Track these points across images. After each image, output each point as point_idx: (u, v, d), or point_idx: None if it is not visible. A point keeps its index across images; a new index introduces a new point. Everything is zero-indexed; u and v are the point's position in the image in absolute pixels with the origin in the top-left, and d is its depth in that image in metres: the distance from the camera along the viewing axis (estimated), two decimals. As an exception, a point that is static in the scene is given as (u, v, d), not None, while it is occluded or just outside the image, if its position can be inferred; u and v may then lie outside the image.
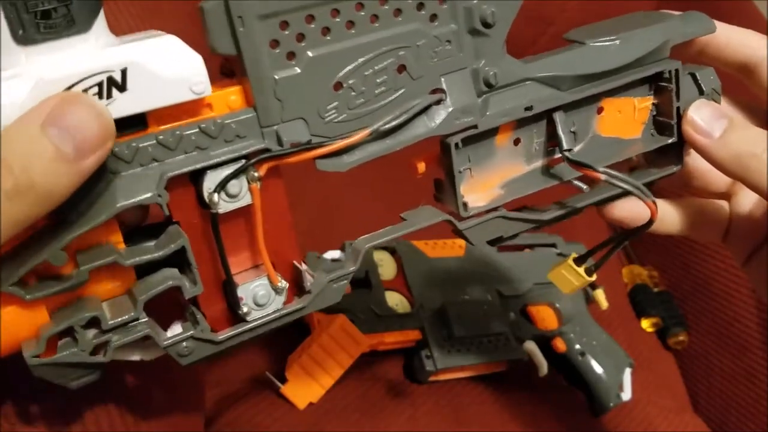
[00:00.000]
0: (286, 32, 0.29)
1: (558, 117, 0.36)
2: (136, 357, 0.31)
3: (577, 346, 0.63)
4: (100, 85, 0.25)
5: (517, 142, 0.36)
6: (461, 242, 0.66)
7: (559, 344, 0.63)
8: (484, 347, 0.60)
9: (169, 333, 0.31)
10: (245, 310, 0.31)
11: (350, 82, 0.30)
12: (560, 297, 0.66)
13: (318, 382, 0.54)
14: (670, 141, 0.39)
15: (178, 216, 0.30)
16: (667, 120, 0.38)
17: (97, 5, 0.26)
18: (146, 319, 0.29)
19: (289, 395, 0.54)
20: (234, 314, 0.32)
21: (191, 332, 0.30)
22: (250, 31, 0.28)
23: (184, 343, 0.30)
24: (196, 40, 0.28)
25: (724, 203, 0.42)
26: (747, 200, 0.40)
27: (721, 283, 0.71)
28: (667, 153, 0.39)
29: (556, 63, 0.35)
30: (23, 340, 0.28)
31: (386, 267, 0.62)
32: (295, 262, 0.33)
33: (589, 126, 0.37)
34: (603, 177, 0.34)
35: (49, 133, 0.24)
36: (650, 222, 0.35)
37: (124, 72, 0.26)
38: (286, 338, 0.58)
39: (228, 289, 0.31)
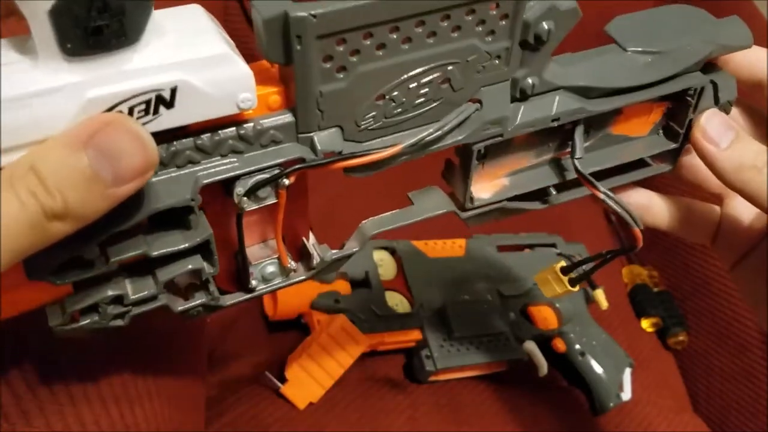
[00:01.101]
0: (341, 48, 0.28)
1: (578, 126, 0.35)
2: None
3: (577, 346, 0.63)
4: (148, 102, 0.25)
5: (531, 141, 0.36)
6: (461, 242, 0.66)
7: (559, 344, 0.63)
8: (484, 347, 0.60)
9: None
10: (254, 284, 0.33)
11: (394, 94, 0.30)
12: (560, 297, 0.66)
13: (318, 382, 0.54)
14: (672, 147, 0.39)
15: (203, 204, 0.29)
16: (676, 128, 0.38)
17: (148, 13, 0.24)
18: (165, 293, 0.30)
19: (289, 395, 0.54)
20: (240, 281, 0.33)
21: (203, 300, 0.31)
22: (306, 48, 0.27)
23: (196, 309, 0.32)
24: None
25: (715, 207, 0.42)
26: (738, 206, 0.41)
27: (721, 283, 0.71)
28: (665, 154, 0.40)
29: (593, 72, 0.34)
30: (46, 302, 0.29)
31: (386, 267, 0.62)
32: (303, 239, 0.34)
33: (604, 127, 0.38)
34: (602, 197, 0.35)
35: (89, 155, 0.23)
36: (633, 247, 0.36)
37: (173, 90, 0.25)
38: (286, 338, 0.58)
39: (240, 265, 0.33)
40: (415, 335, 0.58)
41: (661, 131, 0.39)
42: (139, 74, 0.24)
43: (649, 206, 0.41)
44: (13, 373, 0.33)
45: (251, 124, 0.28)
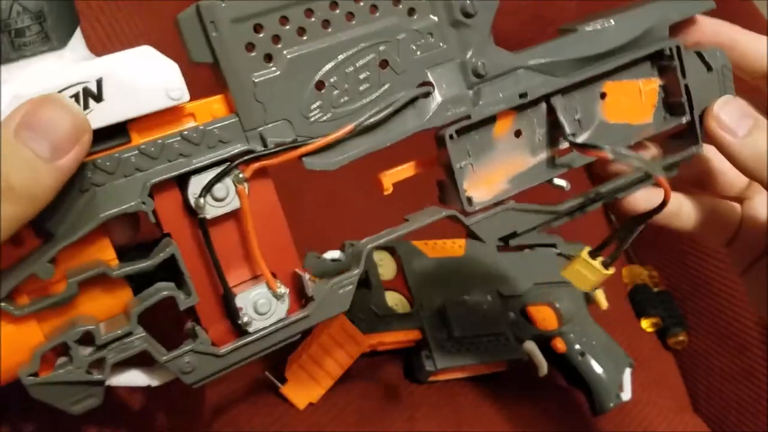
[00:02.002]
0: (261, 35, 0.29)
1: (556, 102, 0.35)
2: (140, 381, 0.30)
3: (577, 346, 0.63)
4: (76, 96, 0.26)
5: (518, 133, 0.36)
6: (461, 242, 0.66)
7: (559, 344, 0.63)
8: (484, 347, 0.60)
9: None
10: (245, 320, 0.30)
11: (332, 80, 0.30)
12: (560, 297, 0.66)
13: (318, 382, 0.54)
14: (684, 120, 0.38)
15: (169, 227, 0.29)
16: (676, 100, 0.37)
17: (74, 23, 0.26)
18: (143, 334, 0.29)
19: (289, 395, 0.54)
20: (239, 330, 0.31)
21: (191, 346, 0.30)
22: (224, 35, 0.28)
23: (186, 359, 0.29)
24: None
25: (736, 206, 0.41)
26: (760, 205, 0.40)
27: (721, 283, 0.71)
28: (683, 136, 0.38)
29: (547, 50, 0.35)
30: (21, 364, 0.28)
31: (386, 267, 0.62)
32: (297, 270, 0.32)
33: (593, 113, 0.37)
34: (611, 156, 0.33)
35: (22, 136, 0.24)
36: (664, 203, 0.33)
37: (99, 82, 0.26)
38: (286, 338, 0.58)
39: (226, 300, 0.31)
40: (415, 335, 0.58)
41: (666, 114, 0.38)
42: (64, 71, 0.26)
43: (679, 212, 0.39)
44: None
45: (194, 126, 0.28)
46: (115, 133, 0.27)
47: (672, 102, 0.38)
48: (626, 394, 0.63)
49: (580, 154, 0.36)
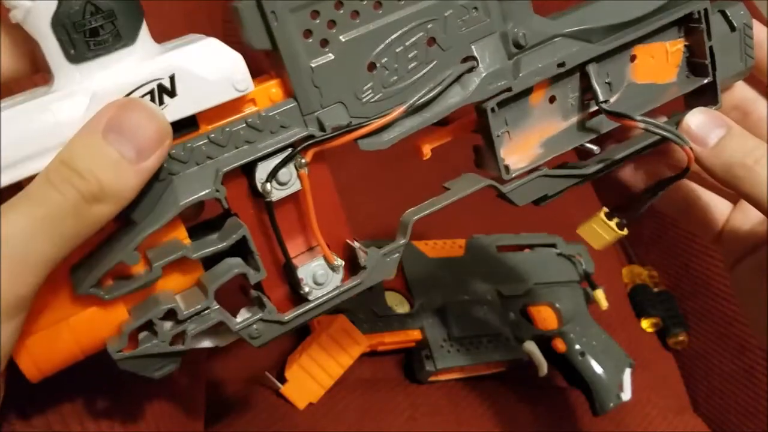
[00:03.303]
0: (317, 21, 0.29)
1: (591, 69, 0.36)
2: (209, 344, 0.32)
3: (577, 346, 0.63)
4: (151, 93, 0.27)
5: (552, 99, 0.36)
6: (461, 242, 0.66)
7: (559, 344, 0.63)
8: (484, 347, 0.60)
9: (239, 318, 0.32)
10: (306, 290, 0.33)
11: (383, 61, 0.31)
12: (560, 297, 0.66)
13: (318, 382, 0.54)
14: (705, 81, 0.38)
15: (236, 208, 0.31)
16: (700, 60, 0.38)
17: (140, 18, 0.27)
18: (217, 306, 0.31)
19: (289, 395, 0.54)
20: (296, 295, 0.33)
21: (260, 315, 0.32)
22: (283, 24, 0.29)
23: (255, 326, 0.32)
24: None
25: (726, 202, 0.41)
26: (748, 208, 0.40)
27: (721, 283, 0.71)
28: (703, 93, 0.39)
29: (584, 16, 0.35)
30: (107, 337, 0.30)
31: (386, 267, 0.62)
32: (348, 241, 0.34)
33: (623, 75, 0.37)
34: (641, 125, 0.34)
35: (110, 138, 0.26)
36: (686, 170, 0.35)
37: (172, 78, 0.27)
38: (286, 338, 0.58)
39: (288, 272, 0.33)
40: (415, 335, 0.58)
41: (688, 72, 0.39)
42: (139, 68, 0.27)
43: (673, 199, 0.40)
44: (11, 375, 0.33)
45: (256, 113, 0.30)
46: (185, 122, 0.29)
47: (695, 62, 0.39)
48: (626, 394, 0.63)
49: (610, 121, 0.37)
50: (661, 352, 0.74)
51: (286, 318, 0.32)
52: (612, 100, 0.37)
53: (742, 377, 0.69)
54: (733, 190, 0.35)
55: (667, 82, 0.39)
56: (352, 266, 0.34)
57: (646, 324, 0.74)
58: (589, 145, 0.38)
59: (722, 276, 0.71)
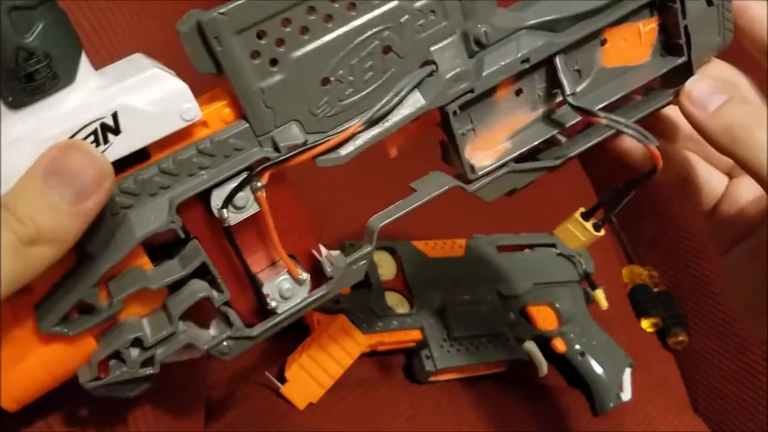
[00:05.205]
0: (265, 41, 0.28)
1: (558, 61, 0.34)
2: (185, 357, 0.32)
3: (577, 346, 0.63)
4: (95, 132, 0.26)
5: (519, 92, 0.35)
6: (461, 242, 0.66)
7: (559, 344, 0.63)
8: (484, 347, 0.60)
9: (212, 331, 0.33)
10: (273, 304, 0.33)
11: (338, 74, 0.30)
12: (560, 297, 0.66)
13: (318, 382, 0.54)
14: (680, 61, 0.37)
15: (195, 231, 0.31)
16: (675, 40, 0.37)
17: (78, 52, 0.26)
18: (184, 330, 0.31)
19: (288, 395, 0.54)
20: (264, 306, 0.33)
21: (228, 333, 0.32)
22: (228, 48, 0.27)
23: (225, 343, 0.32)
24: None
25: (723, 176, 0.40)
26: (745, 186, 0.38)
27: (721, 283, 0.71)
28: (678, 71, 0.38)
29: (550, 6, 0.34)
30: (77, 367, 0.31)
31: (386, 267, 0.62)
32: (313, 251, 0.34)
33: (593, 60, 0.36)
34: (604, 122, 0.33)
35: (49, 182, 0.25)
36: (654, 169, 0.34)
37: (115, 116, 0.26)
38: (286, 338, 0.58)
39: (254, 289, 0.33)
40: (415, 335, 0.58)
41: (663, 51, 0.38)
42: (79, 108, 0.26)
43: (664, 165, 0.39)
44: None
45: (207, 138, 0.29)
46: (135, 154, 0.28)
47: (670, 42, 0.37)
48: (626, 394, 0.63)
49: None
50: (661, 352, 0.74)
51: (254, 333, 0.32)
52: (580, 88, 0.36)
53: (742, 377, 0.69)
54: (731, 156, 0.34)
55: (640, 64, 0.37)
56: (319, 275, 0.34)
57: (646, 324, 0.74)
58: (558, 137, 0.36)
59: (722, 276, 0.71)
